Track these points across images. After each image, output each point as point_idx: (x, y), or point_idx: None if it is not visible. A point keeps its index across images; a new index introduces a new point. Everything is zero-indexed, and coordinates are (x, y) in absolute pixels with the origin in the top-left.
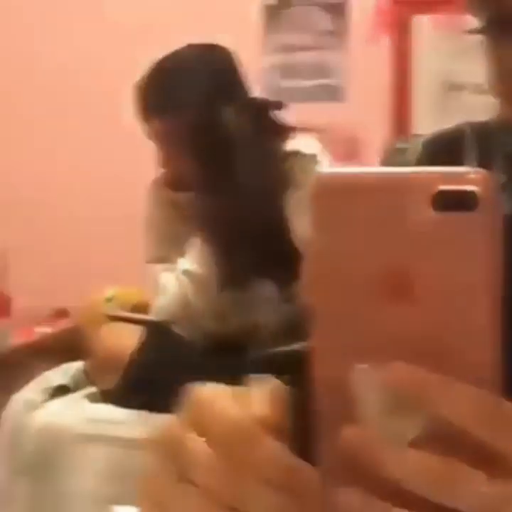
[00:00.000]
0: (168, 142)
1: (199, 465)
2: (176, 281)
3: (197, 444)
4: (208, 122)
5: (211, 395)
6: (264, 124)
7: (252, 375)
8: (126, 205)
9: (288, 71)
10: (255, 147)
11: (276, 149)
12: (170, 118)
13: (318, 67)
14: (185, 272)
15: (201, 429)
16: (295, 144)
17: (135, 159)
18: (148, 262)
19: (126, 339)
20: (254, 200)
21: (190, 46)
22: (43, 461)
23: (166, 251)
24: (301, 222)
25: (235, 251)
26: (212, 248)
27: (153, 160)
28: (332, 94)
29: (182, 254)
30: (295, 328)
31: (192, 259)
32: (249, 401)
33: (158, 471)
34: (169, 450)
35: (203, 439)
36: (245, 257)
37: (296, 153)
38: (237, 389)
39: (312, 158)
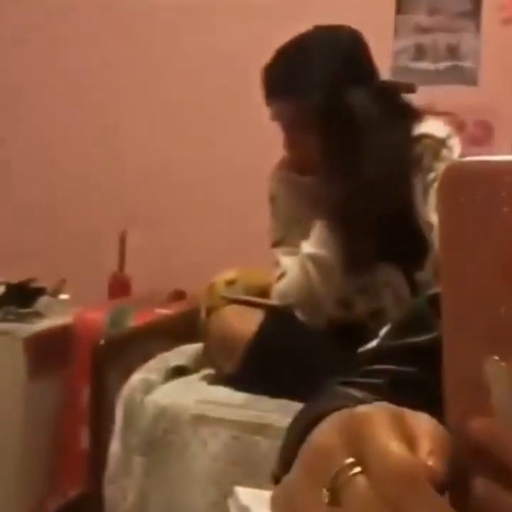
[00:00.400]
0: (294, 125)
1: (354, 496)
2: (299, 265)
3: (354, 473)
4: (334, 105)
5: (371, 422)
6: (393, 107)
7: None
8: (251, 187)
9: (419, 53)
10: (384, 131)
11: (405, 133)
12: (296, 101)
13: (451, 49)
14: (309, 256)
15: (359, 457)
16: (425, 127)
17: (261, 142)
18: (273, 245)
19: (246, 323)
20: (382, 185)
21: (316, 28)
22: (158, 441)
23: (289, 234)
24: (431, 208)
25: (359, 236)
26: (337, 232)
27: (279, 143)
28: (464, 77)
29: (305, 238)
30: (420, 317)
31: (316, 244)
32: (408, 433)
33: (305, 488)
34: (323, 470)
35: (359, 467)
36: (370, 242)
37: (425, 137)
38: (393, 413)
39: (442, 142)
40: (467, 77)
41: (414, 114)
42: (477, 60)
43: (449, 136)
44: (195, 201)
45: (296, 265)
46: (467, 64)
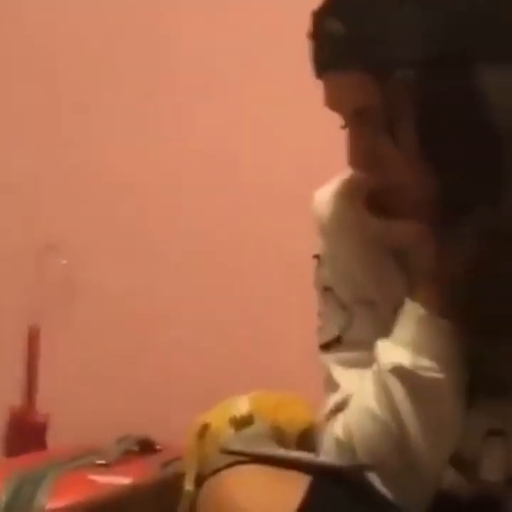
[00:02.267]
0: (381, 123)
1: None
2: (375, 386)
3: None
4: (449, 90)
5: None
6: None
7: None
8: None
9: None
10: None
11: None
12: (384, 76)
13: None
14: (398, 370)
15: None
16: None
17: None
18: (323, 347)
19: (273, 501)
20: None
21: None
22: None
23: (353, 326)
24: None
25: (502, 332)
26: (460, 326)
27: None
28: None
29: (385, 334)
30: None
31: (411, 345)
32: None
33: None
34: None
35: None
36: None
37: None
38: None
39: None
40: None
41: None
42: None
43: None
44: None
45: (370, 386)
46: None
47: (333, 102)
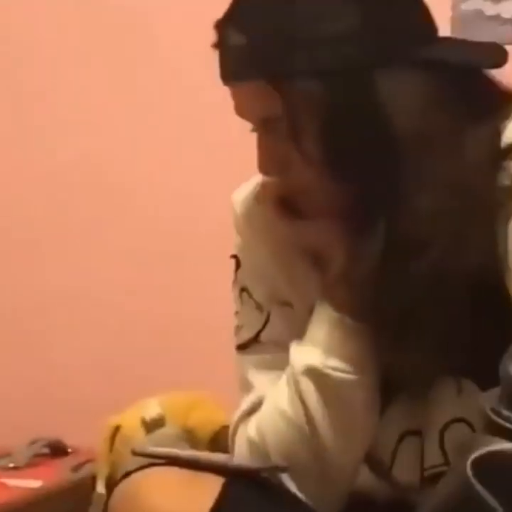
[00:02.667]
0: (285, 129)
1: None
2: (288, 388)
3: None
4: (349, 100)
5: None
6: (464, 98)
7: None
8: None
9: None
10: (447, 145)
11: (484, 145)
12: (285, 84)
13: None
14: (310, 371)
15: None
16: None
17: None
18: (239, 347)
19: (185, 504)
20: (445, 242)
21: None
22: None
23: (271, 326)
24: None
25: (410, 337)
26: (368, 327)
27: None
28: None
29: (299, 335)
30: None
31: (323, 347)
32: None
33: None
34: None
35: None
36: (429, 348)
37: None
38: None
39: None
40: None
41: (501, 106)
42: None
43: None
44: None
45: (283, 388)
46: None
47: (239, 109)
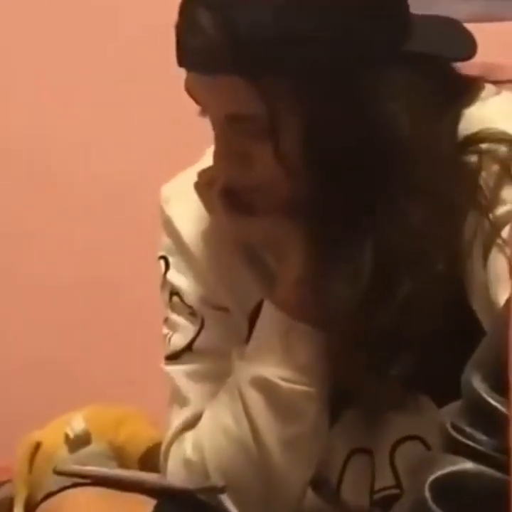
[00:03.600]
0: (249, 125)
1: None
2: (230, 400)
3: None
4: (330, 98)
5: None
6: (432, 87)
7: None
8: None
9: None
10: (430, 146)
11: (446, 134)
12: (252, 78)
13: None
14: (258, 382)
15: None
16: (486, 115)
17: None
18: (168, 358)
19: None
20: (404, 239)
21: None
22: None
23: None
24: (498, 276)
25: (372, 350)
26: (330, 338)
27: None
28: None
29: (236, 341)
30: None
31: (275, 354)
32: None
33: None
34: None
35: None
36: (389, 362)
37: (487, 136)
38: None
39: None
40: None
41: (465, 92)
42: None
43: None
44: None
45: (225, 401)
46: None
47: (202, 102)
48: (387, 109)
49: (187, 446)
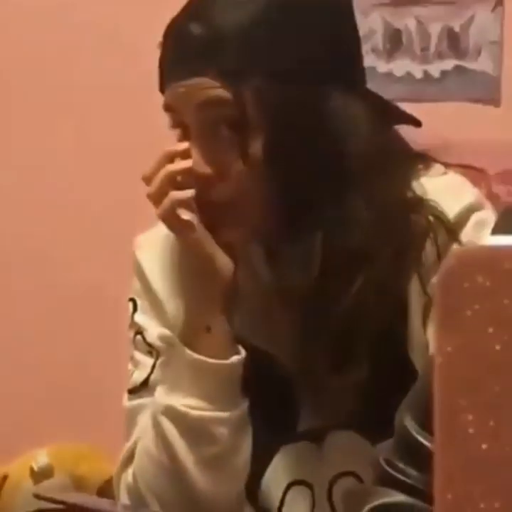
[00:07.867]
0: (227, 134)
1: None
2: (153, 426)
3: None
4: (297, 108)
5: None
6: (392, 136)
7: None
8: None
9: (395, 44)
10: (380, 174)
11: (402, 185)
12: (232, 83)
13: (452, 38)
14: (168, 411)
15: None
16: (429, 188)
17: None
18: (130, 391)
19: None
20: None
21: None
22: None
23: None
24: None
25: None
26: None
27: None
28: (476, 88)
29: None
30: None
31: (181, 385)
32: None
33: None
34: None
35: None
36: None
37: (434, 210)
38: None
39: (460, 219)
40: (482, 89)
41: (417, 160)
42: (499, 59)
43: (474, 206)
44: None
45: (148, 429)
46: (481, 66)
47: (179, 109)
48: (350, 125)
49: (129, 473)
